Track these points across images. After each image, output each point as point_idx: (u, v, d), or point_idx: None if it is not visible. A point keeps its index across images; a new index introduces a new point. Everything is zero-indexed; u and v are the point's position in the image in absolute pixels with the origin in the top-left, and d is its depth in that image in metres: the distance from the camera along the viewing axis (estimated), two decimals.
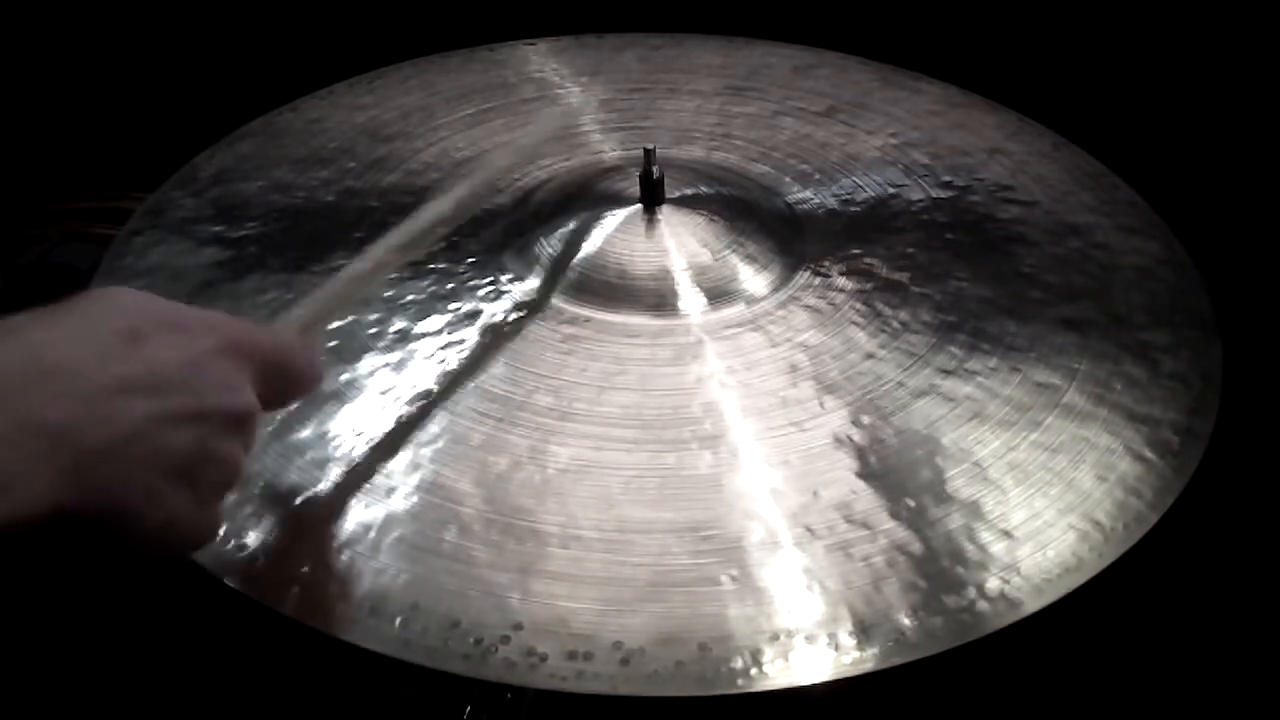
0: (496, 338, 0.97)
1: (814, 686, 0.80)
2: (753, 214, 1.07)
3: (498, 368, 0.94)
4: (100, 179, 1.37)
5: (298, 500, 0.87)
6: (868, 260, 1.04)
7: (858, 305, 1.00)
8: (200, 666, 1.08)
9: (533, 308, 0.99)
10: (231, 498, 0.79)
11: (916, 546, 0.86)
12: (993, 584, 0.84)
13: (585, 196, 1.07)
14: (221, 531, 0.80)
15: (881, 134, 1.19)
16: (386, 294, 1.00)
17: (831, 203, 1.11)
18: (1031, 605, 0.84)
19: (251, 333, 0.80)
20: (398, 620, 0.81)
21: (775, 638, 0.81)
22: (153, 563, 0.80)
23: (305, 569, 0.84)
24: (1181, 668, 1.51)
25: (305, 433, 0.91)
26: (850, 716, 1.17)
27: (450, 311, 0.99)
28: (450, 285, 1.01)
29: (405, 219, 0.94)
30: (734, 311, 0.99)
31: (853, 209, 1.10)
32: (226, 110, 1.22)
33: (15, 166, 1.59)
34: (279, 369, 0.81)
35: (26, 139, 1.65)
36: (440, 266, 1.02)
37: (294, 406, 0.88)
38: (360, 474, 0.88)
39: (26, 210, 1.35)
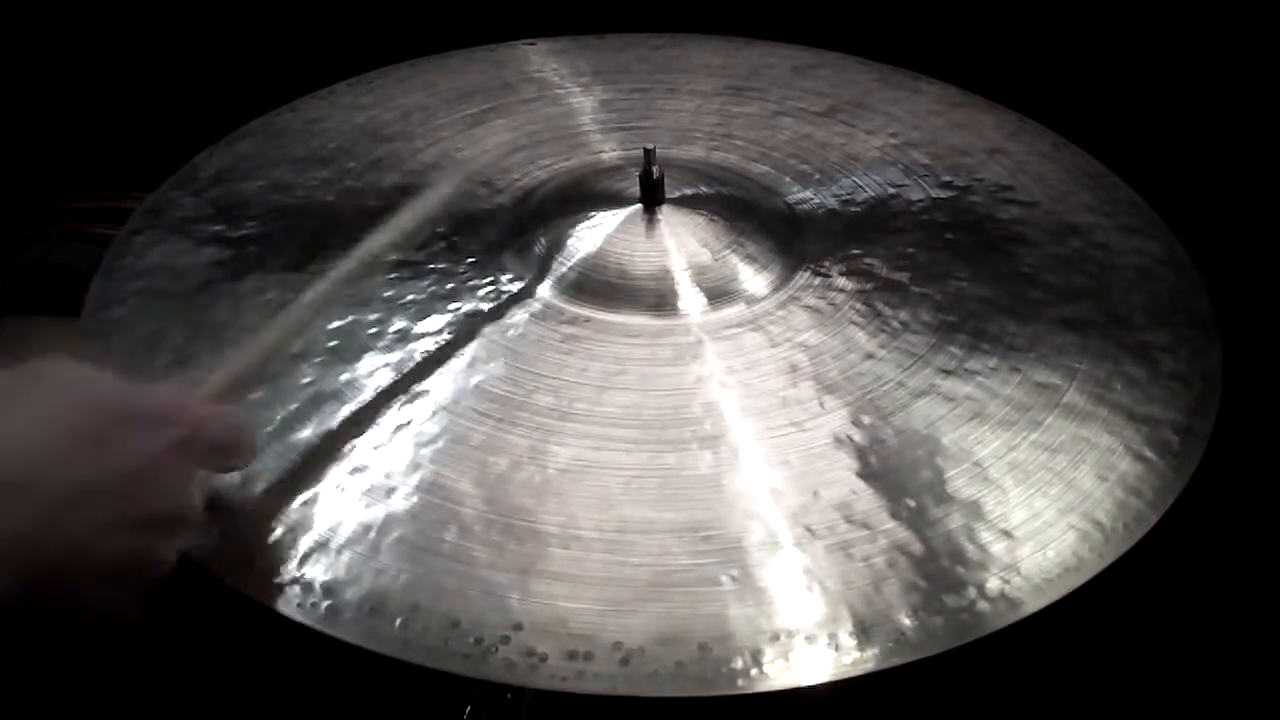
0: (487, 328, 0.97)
1: (814, 687, 0.80)
2: (753, 214, 1.07)
3: (498, 368, 0.94)
4: (100, 179, 1.37)
5: (298, 500, 0.87)
6: (868, 260, 1.04)
7: (858, 305, 1.00)
8: (200, 666, 1.08)
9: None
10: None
11: (916, 546, 0.86)
12: (993, 584, 0.84)
13: (585, 196, 1.07)
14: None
15: (881, 134, 1.19)
16: (386, 294, 1.00)
17: (831, 203, 1.11)
18: (1031, 605, 0.84)
19: (200, 423, 0.81)
20: (398, 620, 0.81)
21: (775, 638, 0.81)
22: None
23: (299, 566, 0.84)
24: (1181, 668, 1.51)
25: (305, 432, 0.91)
26: (850, 716, 1.17)
27: (450, 311, 0.99)
28: (450, 285, 1.01)
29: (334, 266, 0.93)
30: (734, 311, 0.99)
31: (853, 209, 1.10)
32: (226, 110, 1.22)
33: (15, 166, 1.59)
34: (221, 450, 0.83)
35: (26, 139, 1.65)
36: (440, 266, 1.02)
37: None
38: (356, 471, 0.89)
39: (26, 210, 1.35)
